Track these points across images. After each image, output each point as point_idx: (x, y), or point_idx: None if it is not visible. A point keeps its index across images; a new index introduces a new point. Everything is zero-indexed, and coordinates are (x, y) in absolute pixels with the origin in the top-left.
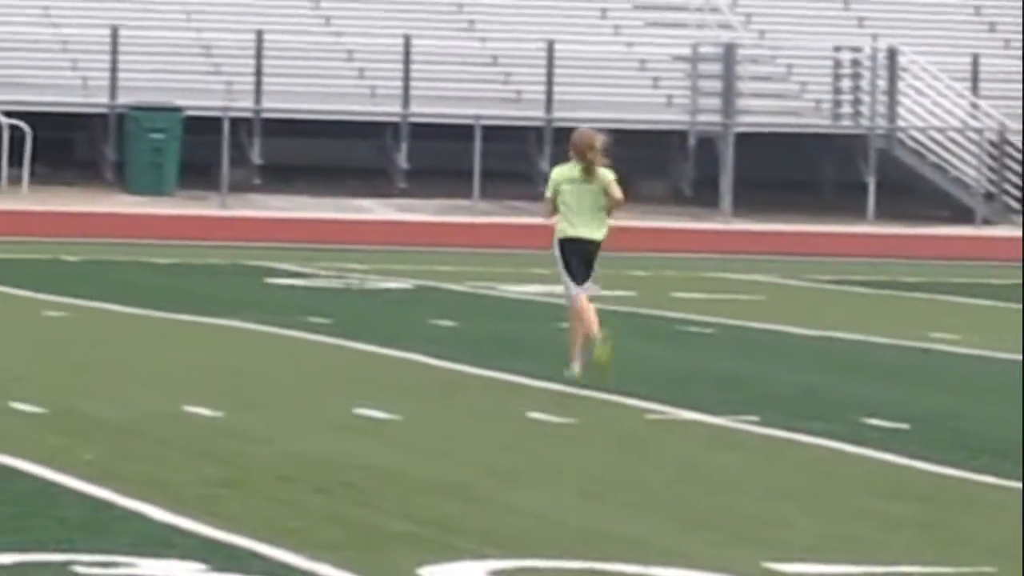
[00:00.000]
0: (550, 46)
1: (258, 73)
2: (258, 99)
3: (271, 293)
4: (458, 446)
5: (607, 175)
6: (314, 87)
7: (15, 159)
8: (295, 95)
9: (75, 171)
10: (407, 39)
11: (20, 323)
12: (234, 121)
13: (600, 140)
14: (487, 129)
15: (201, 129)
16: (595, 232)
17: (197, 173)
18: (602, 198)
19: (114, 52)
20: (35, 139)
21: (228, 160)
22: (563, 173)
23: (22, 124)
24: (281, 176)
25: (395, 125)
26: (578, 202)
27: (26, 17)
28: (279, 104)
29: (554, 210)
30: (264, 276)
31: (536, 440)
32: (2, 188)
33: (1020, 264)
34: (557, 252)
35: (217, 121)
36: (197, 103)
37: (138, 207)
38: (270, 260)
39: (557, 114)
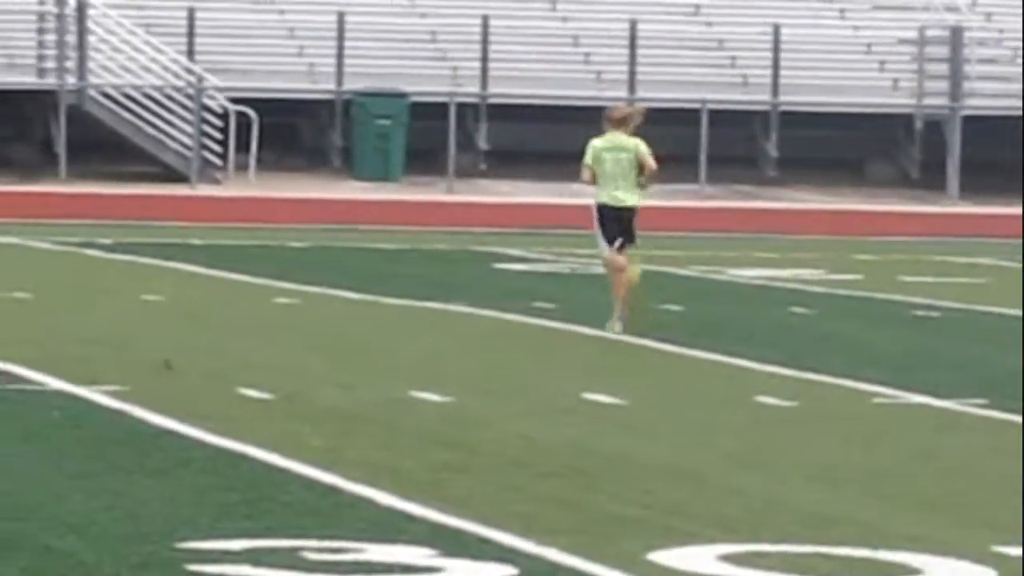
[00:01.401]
0: (776, 30)
1: (484, 59)
2: (484, 84)
3: (498, 278)
4: (686, 431)
5: (641, 146)
6: (540, 72)
7: (242, 146)
8: (521, 80)
9: (302, 157)
10: (633, 24)
11: (250, 310)
12: (460, 106)
13: (633, 113)
14: (713, 113)
15: (427, 115)
16: (629, 198)
17: (423, 159)
18: (635, 167)
19: (340, 38)
20: (261, 126)
21: (454, 145)
22: (601, 143)
23: (249, 111)
24: (507, 161)
25: None
26: (613, 169)
27: (252, 4)
28: (505, 89)
29: (593, 177)
30: (491, 261)
31: (764, 424)
32: (229, 175)
33: None
34: (596, 215)
35: (443, 107)
36: (423, 89)
37: (364, 193)
38: (496, 245)
39: (783, 98)
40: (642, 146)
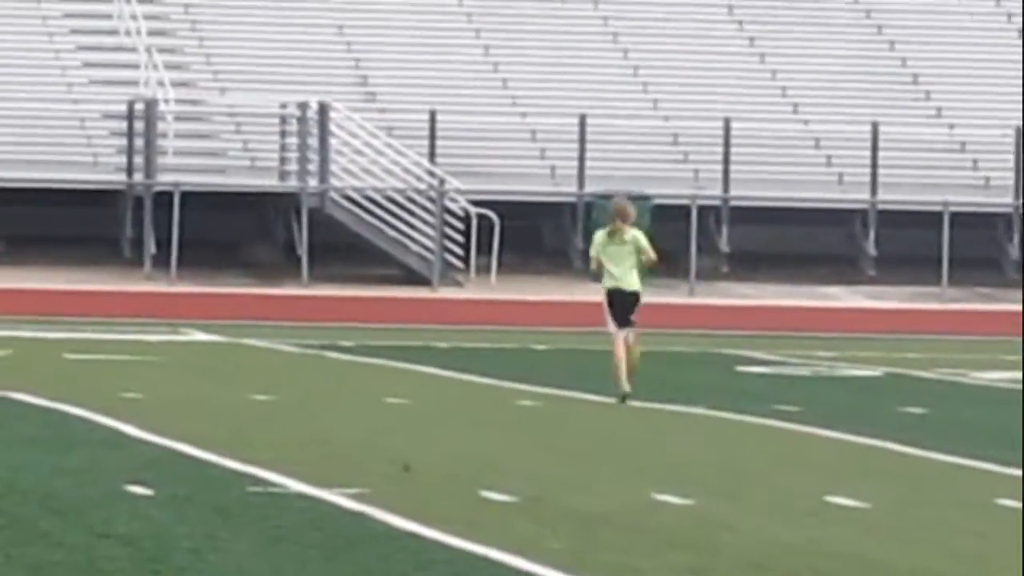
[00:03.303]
0: (1018, 132)
1: (726, 161)
2: (726, 187)
3: (740, 381)
4: (928, 533)
5: (639, 237)
6: (781, 174)
7: (484, 248)
8: (762, 183)
9: (543, 260)
10: (875, 126)
11: (492, 412)
12: (702, 209)
13: (631, 209)
14: (955, 215)
15: (669, 217)
16: (632, 284)
17: (665, 261)
18: (635, 255)
19: (582, 141)
20: (503, 228)
21: (696, 248)
22: (603, 236)
23: (490, 213)
24: (748, 263)
25: (863, 212)
26: (616, 259)
27: (494, 107)
28: (747, 192)
29: (600, 267)
30: (733, 364)
31: (1006, 527)
32: (471, 277)
33: None
34: (604, 300)
35: (685, 209)
36: (665, 191)
37: None
38: (739, 348)
39: None
40: (639, 237)
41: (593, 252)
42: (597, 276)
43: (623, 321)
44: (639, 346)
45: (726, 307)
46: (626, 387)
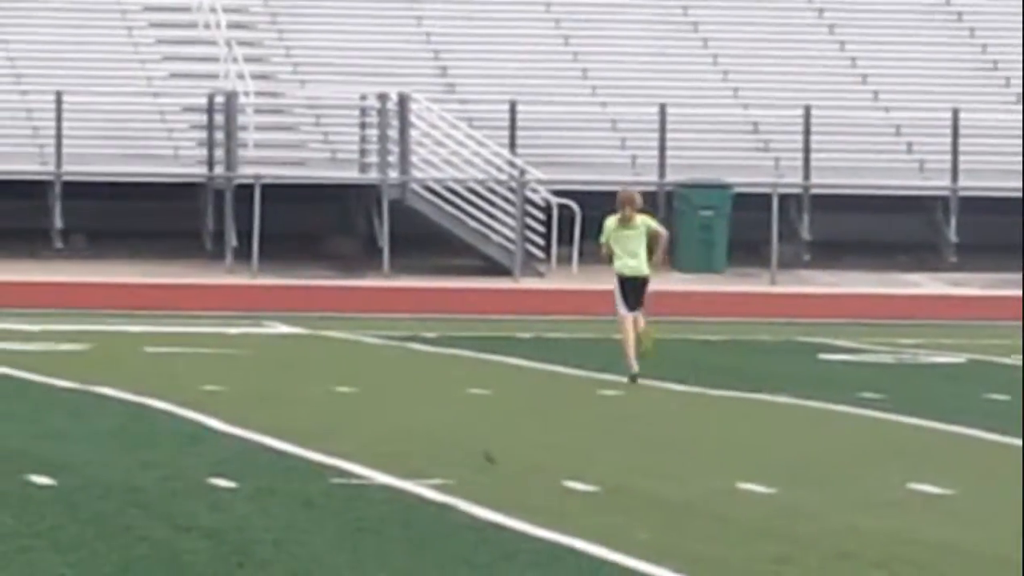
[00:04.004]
0: None
1: (806, 149)
2: (807, 175)
3: (823, 369)
4: (1013, 520)
5: (646, 220)
6: (862, 162)
7: (565, 238)
8: (843, 171)
9: None
10: (955, 113)
11: (576, 402)
12: (783, 197)
13: (638, 196)
14: None
15: (750, 206)
16: (642, 269)
17: (746, 250)
18: (645, 239)
19: (662, 130)
20: (584, 218)
21: (777, 236)
22: (613, 222)
23: (571, 203)
24: (830, 252)
25: (944, 199)
26: (627, 245)
27: (574, 96)
28: (827, 180)
29: (610, 252)
30: (816, 352)
31: None
32: (552, 267)
33: None
34: (616, 284)
35: (766, 198)
36: (746, 180)
37: (688, 284)
38: (821, 336)
39: None
40: (647, 220)
41: (603, 239)
42: (608, 260)
43: (633, 305)
44: (654, 333)
45: (808, 295)
46: (635, 367)
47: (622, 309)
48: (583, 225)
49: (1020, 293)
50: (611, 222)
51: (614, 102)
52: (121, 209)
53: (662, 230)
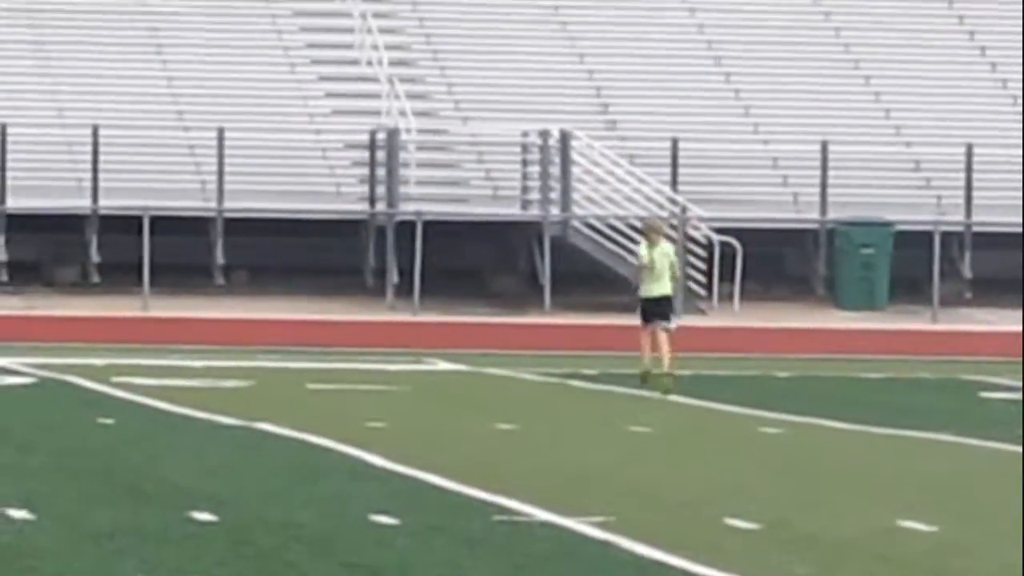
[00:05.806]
0: None
1: (968, 187)
2: (968, 212)
3: (985, 407)
4: None
5: (669, 250)
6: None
7: (726, 275)
8: (1004, 208)
9: (786, 287)
10: None
11: (736, 439)
12: (945, 235)
13: (663, 225)
14: None
15: (911, 243)
16: (665, 289)
17: (907, 287)
18: (668, 264)
19: (824, 167)
20: (745, 255)
21: (939, 274)
22: (646, 247)
23: (733, 240)
24: (991, 289)
25: None
26: (651, 269)
27: (736, 134)
28: (988, 217)
29: (649, 271)
30: (978, 390)
31: None
32: (714, 305)
33: None
34: (640, 307)
35: (927, 235)
36: (907, 217)
37: (849, 322)
38: (983, 374)
39: None
40: (670, 248)
41: (646, 260)
42: (639, 280)
43: (652, 319)
44: (675, 359)
45: (970, 333)
46: (648, 365)
47: (643, 326)
48: (744, 262)
49: None
50: (644, 247)
51: (775, 139)
52: (282, 245)
53: (676, 270)
